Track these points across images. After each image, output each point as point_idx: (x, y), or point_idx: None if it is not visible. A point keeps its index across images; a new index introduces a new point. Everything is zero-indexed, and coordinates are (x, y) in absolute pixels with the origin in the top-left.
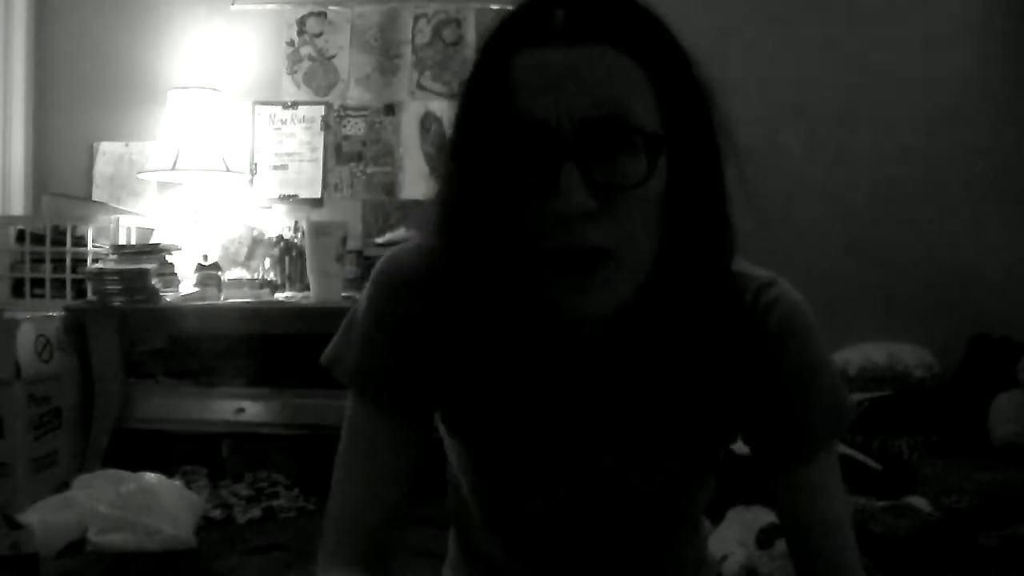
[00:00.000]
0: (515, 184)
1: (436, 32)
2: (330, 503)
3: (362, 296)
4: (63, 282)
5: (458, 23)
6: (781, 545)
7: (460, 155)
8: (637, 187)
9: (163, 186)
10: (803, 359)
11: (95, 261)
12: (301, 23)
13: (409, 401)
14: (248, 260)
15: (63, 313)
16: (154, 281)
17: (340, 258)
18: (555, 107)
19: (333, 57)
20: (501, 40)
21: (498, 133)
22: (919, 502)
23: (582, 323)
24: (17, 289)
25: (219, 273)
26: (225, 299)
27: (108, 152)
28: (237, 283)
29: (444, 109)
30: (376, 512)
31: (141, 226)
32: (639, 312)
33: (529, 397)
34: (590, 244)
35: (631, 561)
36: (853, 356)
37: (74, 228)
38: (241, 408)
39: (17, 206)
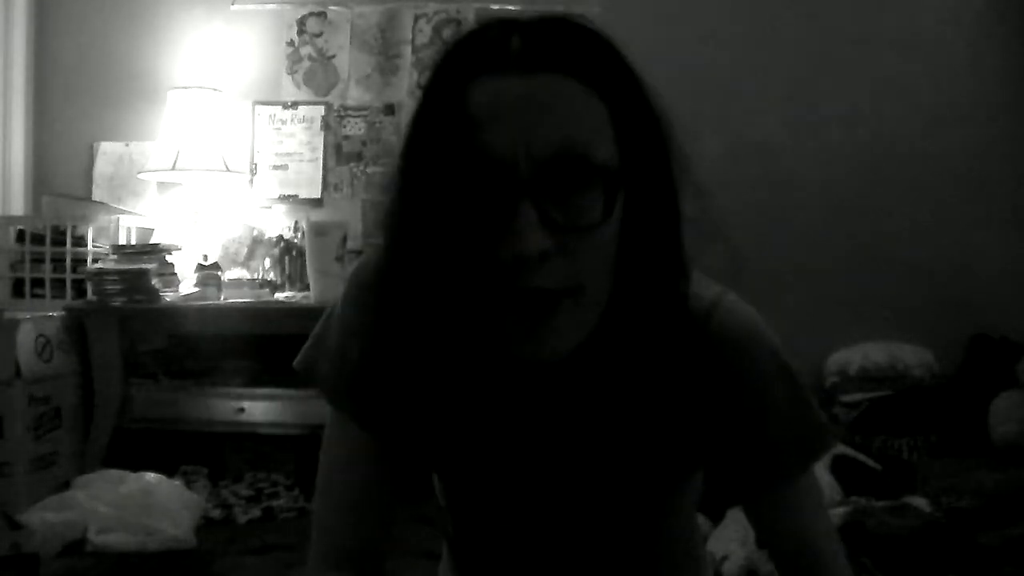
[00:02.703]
0: (468, 220)
1: (436, 32)
2: (315, 510)
3: (337, 304)
4: (63, 282)
5: (458, 23)
6: None
7: (410, 186)
8: (595, 228)
9: (163, 186)
10: (757, 385)
11: (95, 261)
12: (301, 23)
13: (381, 416)
14: (248, 260)
15: (63, 313)
16: (154, 281)
17: (340, 258)
18: (513, 144)
19: (333, 57)
20: (455, 66)
21: (452, 167)
22: (919, 502)
23: (538, 361)
24: (17, 289)
25: (219, 273)
26: (225, 299)
27: (108, 152)
28: (237, 283)
29: None
30: (360, 521)
31: (141, 226)
32: (596, 343)
33: (488, 421)
34: (544, 287)
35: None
36: (853, 356)
37: (74, 228)
38: (241, 408)
39: (17, 206)
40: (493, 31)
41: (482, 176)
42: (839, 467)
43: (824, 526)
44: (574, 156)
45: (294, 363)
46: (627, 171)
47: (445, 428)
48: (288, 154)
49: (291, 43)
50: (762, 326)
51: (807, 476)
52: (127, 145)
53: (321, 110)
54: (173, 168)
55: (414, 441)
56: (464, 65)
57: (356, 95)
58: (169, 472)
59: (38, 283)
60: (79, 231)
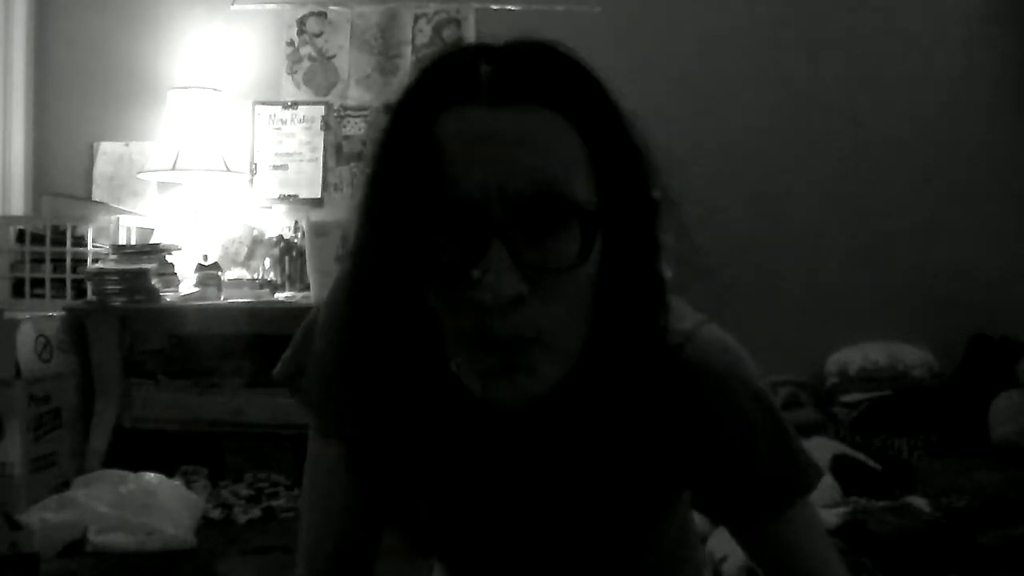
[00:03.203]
0: (436, 261)
1: (436, 32)
2: (300, 518)
3: (318, 316)
4: (63, 282)
5: (458, 23)
6: None
7: (376, 221)
8: (571, 269)
9: (163, 186)
10: (732, 418)
11: (95, 261)
12: (301, 23)
13: (361, 435)
14: (248, 260)
15: (63, 313)
16: (154, 281)
17: (340, 258)
18: (484, 181)
19: (333, 57)
20: (423, 95)
21: (420, 204)
22: (919, 502)
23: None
24: (17, 289)
25: (219, 273)
26: (225, 299)
27: (108, 152)
28: (237, 283)
29: None
30: (344, 529)
31: (141, 226)
32: (572, 382)
33: (464, 458)
34: (515, 332)
35: None
36: (853, 356)
37: (74, 228)
38: (241, 408)
39: (17, 206)
40: (462, 58)
41: (451, 215)
42: (839, 467)
43: (814, 554)
44: (549, 194)
45: (273, 372)
46: (605, 208)
47: (421, 460)
48: (288, 154)
49: (291, 43)
50: (737, 358)
51: (796, 509)
52: (127, 145)
53: (321, 110)
54: (173, 168)
55: (391, 466)
56: (432, 94)
57: (356, 95)
58: (169, 472)
59: (38, 283)
60: (79, 231)
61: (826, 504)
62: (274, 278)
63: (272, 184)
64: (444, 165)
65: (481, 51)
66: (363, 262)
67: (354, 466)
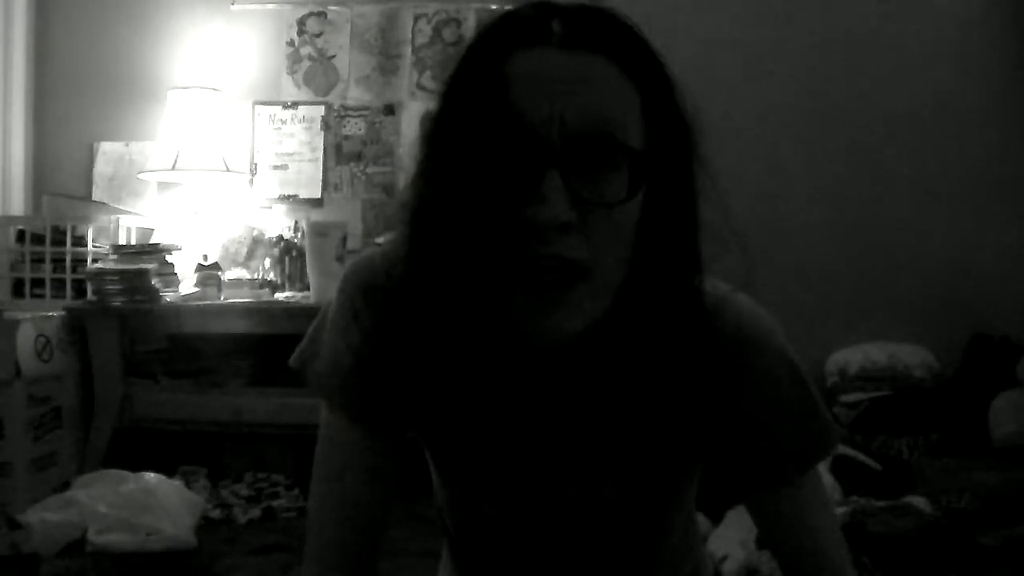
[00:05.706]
0: (494, 184)
1: (436, 32)
2: (309, 510)
3: (332, 301)
4: (63, 282)
5: (458, 23)
6: None
7: (440, 150)
8: (618, 205)
9: (163, 186)
10: (763, 381)
11: (95, 261)
12: (301, 23)
13: (378, 413)
14: (248, 260)
15: (63, 313)
16: (154, 281)
17: (340, 258)
18: (548, 113)
19: (333, 57)
20: (495, 39)
21: (485, 129)
22: (919, 502)
23: (546, 339)
24: (17, 289)
25: (219, 273)
26: (225, 299)
27: (108, 152)
28: (237, 283)
29: None
30: (354, 521)
31: (141, 226)
32: (606, 329)
33: (493, 412)
34: (564, 256)
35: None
36: (853, 356)
37: (74, 228)
38: (241, 408)
39: (17, 206)
40: (532, 12)
41: (513, 141)
42: (839, 467)
43: (827, 526)
44: (604, 133)
45: (289, 360)
46: (652, 159)
47: (447, 418)
48: (288, 154)
49: (291, 43)
50: (771, 324)
51: (811, 476)
52: (127, 145)
53: (321, 110)
54: (173, 168)
55: (413, 432)
56: (503, 39)
57: (356, 95)
58: (169, 472)
59: (38, 283)
60: (79, 231)
61: (831, 504)
62: (274, 278)
63: (272, 184)
64: (511, 98)
65: (550, 8)
66: (426, 192)
67: (370, 428)
